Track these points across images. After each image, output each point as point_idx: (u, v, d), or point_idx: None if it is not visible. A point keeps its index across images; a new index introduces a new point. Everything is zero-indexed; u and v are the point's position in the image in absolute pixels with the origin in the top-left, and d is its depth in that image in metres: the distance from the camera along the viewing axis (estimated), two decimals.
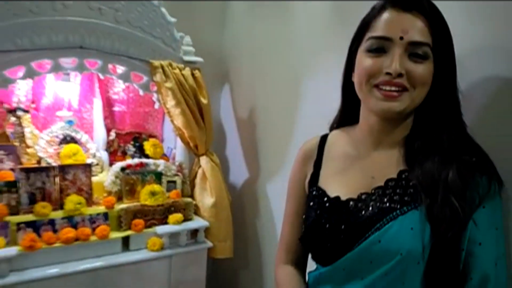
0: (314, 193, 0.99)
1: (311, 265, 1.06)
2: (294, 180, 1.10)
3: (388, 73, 0.82)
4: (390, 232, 0.82)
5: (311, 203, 0.98)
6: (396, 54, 0.81)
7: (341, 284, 0.89)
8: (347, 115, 1.03)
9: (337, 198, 0.92)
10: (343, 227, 0.88)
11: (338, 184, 0.95)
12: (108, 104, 1.94)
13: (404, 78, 0.82)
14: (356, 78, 0.91)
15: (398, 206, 0.84)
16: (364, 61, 0.87)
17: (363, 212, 0.88)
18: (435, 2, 0.85)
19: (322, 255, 0.94)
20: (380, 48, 0.84)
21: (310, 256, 1.06)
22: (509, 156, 0.89)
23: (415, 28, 0.82)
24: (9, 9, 1.38)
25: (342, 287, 0.89)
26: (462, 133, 0.88)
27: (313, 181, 1.01)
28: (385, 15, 0.84)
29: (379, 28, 0.85)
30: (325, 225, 0.91)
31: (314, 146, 1.06)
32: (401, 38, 0.81)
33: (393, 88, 0.83)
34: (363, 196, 0.90)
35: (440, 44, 0.83)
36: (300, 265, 1.11)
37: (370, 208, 0.88)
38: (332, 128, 1.09)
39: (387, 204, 0.86)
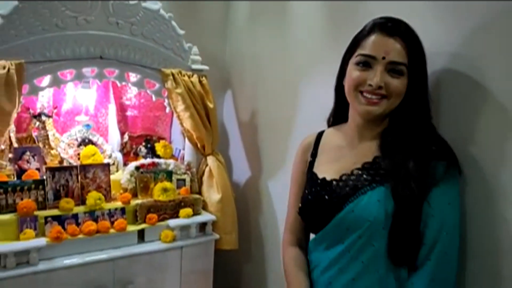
0: (309, 176, 1.20)
1: None
2: (296, 169, 1.29)
3: (370, 85, 1.02)
4: (361, 203, 1.03)
5: (307, 185, 1.20)
6: (378, 70, 1.02)
7: (330, 246, 1.10)
8: (339, 112, 1.23)
9: (324, 179, 1.14)
10: (326, 201, 1.09)
11: (327, 169, 1.16)
12: (121, 109, 2.06)
13: (383, 89, 1.02)
14: (346, 85, 1.11)
15: (368, 183, 1.05)
16: (353, 72, 1.07)
17: (343, 189, 1.08)
18: None
19: (313, 224, 1.16)
20: (367, 64, 1.04)
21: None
22: (470, 149, 1.08)
23: (395, 51, 1.01)
24: (38, 25, 1.52)
25: (331, 249, 1.09)
26: (430, 130, 1.06)
27: (310, 168, 1.22)
28: (373, 37, 1.04)
29: (367, 47, 1.04)
30: (313, 200, 1.13)
31: (312, 140, 1.27)
32: (384, 58, 1.01)
33: (374, 97, 1.03)
34: (344, 177, 1.10)
35: (414, 63, 1.03)
36: (303, 245, 1.27)
37: (348, 186, 1.08)
38: (329, 121, 1.29)
39: (362, 183, 1.06)
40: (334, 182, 1.11)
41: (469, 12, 1.10)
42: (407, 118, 1.06)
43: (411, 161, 1.00)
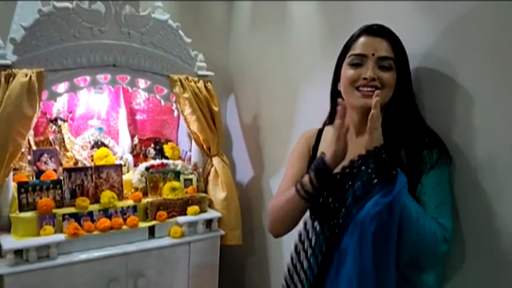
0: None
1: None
2: (298, 151, 1.35)
3: (365, 78, 1.12)
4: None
5: None
6: (370, 65, 1.13)
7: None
8: (335, 114, 1.25)
9: None
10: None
11: None
12: (131, 113, 2.14)
13: (377, 82, 1.12)
14: (342, 85, 1.20)
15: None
16: (347, 71, 1.17)
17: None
18: None
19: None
20: (359, 62, 1.15)
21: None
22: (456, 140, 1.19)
23: (382, 48, 1.13)
24: (57, 36, 1.62)
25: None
26: (420, 123, 1.18)
27: (310, 162, 1.26)
28: (362, 39, 1.16)
29: (358, 48, 1.16)
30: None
31: (314, 134, 1.35)
32: (373, 54, 1.13)
33: (369, 89, 1.12)
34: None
35: (399, 59, 1.15)
36: None
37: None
38: (324, 124, 1.38)
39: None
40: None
41: (439, 16, 1.24)
42: (399, 112, 1.16)
43: (402, 149, 1.11)
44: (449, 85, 1.21)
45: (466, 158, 1.17)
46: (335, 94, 1.28)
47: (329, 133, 1.29)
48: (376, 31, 1.16)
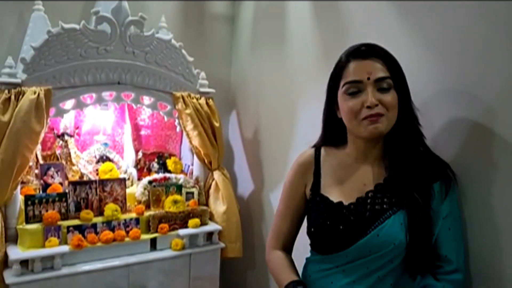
0: (318, 199, 1.18)
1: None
2: (292, 183, 1.27)
3: (368, 107, 1.04)
4: (386, 228, 1.05)
5: (317, 208, 1.16)
6: (369, 91, 1.05)
7: (341, 265, 1.10)
8: (328, 139, 1.26)
9: (341, 203, 1.13)
10: (347, 225, 1.09)
11: (338, 192, 1.16)
12: (136, 129, 2.19)
13: (380, 106, 1.04)
14: (344, 116, 1.12)
15: (389, 207, 1.07)
16: (347, 102, 1.08)
17: (363, 213, 1.09)
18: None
19: (325, 246, 1.14)
20: (356, 90, 1.07)
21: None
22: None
23: (376, 69, 1.06)
24: (64, 55, 1.69)
25: (346, 270, 1.10)
26: (422, 147, 1.13)
27: (315, 189, 1.21)
28: (352, 65, 1.08)
29: (350, 75, 1.08)
30: (332, 225, 1.11)
31: (311, 158, 1.25)
32: (368, 78, 1.05)
33: (373, 113, 1.04)
34: (360, 200, 1.11)
35: (396, 77, 1.08)
36: (288, 251, 1.30)
37: (368, 210, 1.09)
38: (319, 145, 1.28)
39: (380, 206, 1.08)
40: (352, 206, 1.11)
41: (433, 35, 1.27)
42: (401, 136, 1.11)
43: (415, 191, 1.06)
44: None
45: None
46: (330, 120, 1.22)
47: (333, 157, 1.23)
48: (365, 52, 1.08)
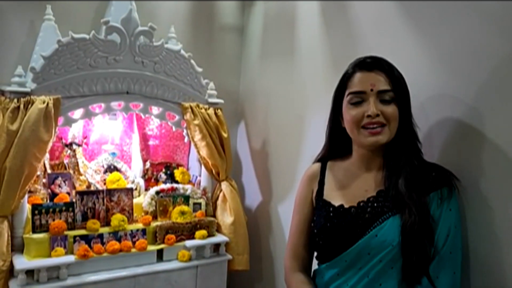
0: (321, 204, 1.24)
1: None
2: (301, 196, 1.33)
3: (369, 116, 1.10)
4: (385, 228, 1.08)
5: (319, 212, 1.22)
6: (371, 102, 1.11)
7: (346, 272, 1.12)
8: (332, 151, 1.31)
9: (341, 206, 1.18)
10: (348, 227, 1.13)
11: (340, 196, 1.21)
12: (144, 139, 2.19)
13: (381, 117, 1.10)
14: (347, 125, 1.18)
15: (389, 210, 1.10)
16: (350, 112, 1.15)
17: (363, 215, 1.13)
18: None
19: (327, 252, 1.18)
20: (359, 100, 1.13)
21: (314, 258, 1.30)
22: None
23: (379, 81, 1.12)
24: (74, 65, 1.70)
25: (347, 274, 1.12)
26: (418, 161, 1.15)
27: (319, 195, 1.27)
28: (357, 76, 1.15)
29: (355, 85, 1.14)
30: (332, 227, 1.16)
31: (317, 169, 1.32)
32: (372, 89, 1.11)
33: (375, 126, 1.11)
34: (361, 204, 1.15)
35: (398, 91, 1.13)
36: (307, 271, 1.31)
37: (368, 212, 1.13)
38: (324, 158, 1.34)
39: (380, 209, 1.12)
40: (353, 209, 1.16)
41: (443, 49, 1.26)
42: (400, 146, 1.15)
43: (414, 194, 1.08)
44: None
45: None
46: (335, 130, 1.27)
47: (338, 167, 1.28)
48: (370, 64, 1.14)
